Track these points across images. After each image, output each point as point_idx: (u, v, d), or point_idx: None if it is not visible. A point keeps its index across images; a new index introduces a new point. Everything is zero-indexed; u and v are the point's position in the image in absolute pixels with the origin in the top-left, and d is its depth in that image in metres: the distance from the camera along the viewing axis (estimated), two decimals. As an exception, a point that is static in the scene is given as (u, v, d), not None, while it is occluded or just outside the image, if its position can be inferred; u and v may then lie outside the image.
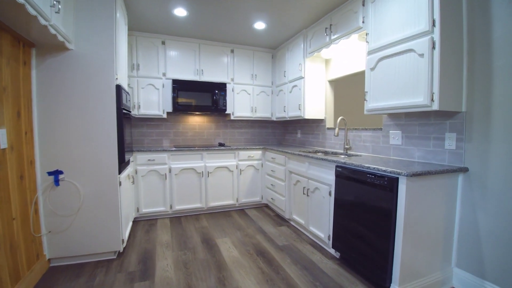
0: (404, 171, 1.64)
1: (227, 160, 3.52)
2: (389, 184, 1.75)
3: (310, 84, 3.29)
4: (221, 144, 3.75)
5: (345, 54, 2.98)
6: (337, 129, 2.73)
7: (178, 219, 3.27)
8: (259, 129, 4.35)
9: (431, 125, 2.08)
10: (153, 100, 3.40)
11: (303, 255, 2.38)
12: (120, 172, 2.27)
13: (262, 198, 3.74)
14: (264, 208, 3.76)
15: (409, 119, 2.25)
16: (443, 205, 1.85)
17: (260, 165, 3.70)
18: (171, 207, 3.26)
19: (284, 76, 3.69)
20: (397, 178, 1.70)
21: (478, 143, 1.79)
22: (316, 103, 3.33)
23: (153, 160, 3.16)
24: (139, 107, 3.33)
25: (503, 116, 1.67)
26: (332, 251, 2.39)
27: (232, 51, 3.77)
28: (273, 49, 4.02)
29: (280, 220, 3.27)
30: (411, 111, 1.96)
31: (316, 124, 3.56)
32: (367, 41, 2.26)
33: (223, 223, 3.14)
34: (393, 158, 2.32)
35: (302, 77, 3.26)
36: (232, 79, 3.80)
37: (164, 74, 3.45)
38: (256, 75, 3.93)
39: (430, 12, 1.75)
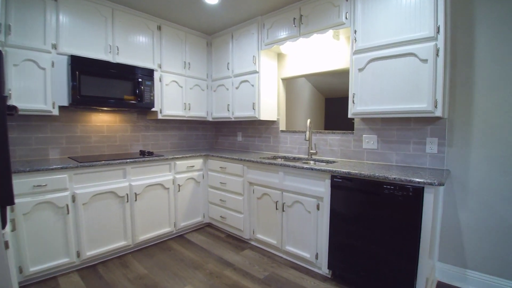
0: (433, 180, 1.55)
1: (160, 174, 2.61)
2: (414, 195, 1.63)
3: (265, 81, 2.89)
4: (143, 152, 2.76)
5: (309, 50, 2.76)
6: (308, 132, 2.48)
7: (94, 270, 2.12)
8: (187, 131, 3.55)
9: (410, 130, 2.14)
10: (34, 87, 2.05)
11: (293, 284, 1.98)
12: None
13: (204, 217, 3.03)
14: (207, 228, 3.06)
15: (386, 124, 2.27)
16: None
17: (201, 177, 2.97)
18: (78, 254, 2.07)
19: (228, 69, 3.12)
20: (423, 187, 1.60)
21: (459, 147, 1.96)
22: (270, 102, 2.97)
23: (44, 185, 1.89)
24: (9, 97, 1.91)
25: (483, 123, 1.87)
26: (321, 271, 2.11)
27: (159, 27, 2.83)
28: (209, 34, 3.34)
29: (237, 241, 2.71)
30: (406, 117, 1.94)
31: (265, 126, 3.20)
32: (354, 39, 2.10)
33: (167, 262, 2.27)
34: (368, 163, 2.29)
35: (257, 72, 2.82)
36: (160, 66, 2.86)
37: (54, 47, 2.15)
38: (189, 63, 3.13)
39: (435, 19, 1.74)
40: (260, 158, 2.60)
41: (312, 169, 2.06)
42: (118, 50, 2.52)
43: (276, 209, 2.36)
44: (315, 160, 2.59)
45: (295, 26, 2.47)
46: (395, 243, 1.70)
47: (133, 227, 2.40)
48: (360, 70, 2.09)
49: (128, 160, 2.35)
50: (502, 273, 1.81)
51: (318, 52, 2.67)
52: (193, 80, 3.19)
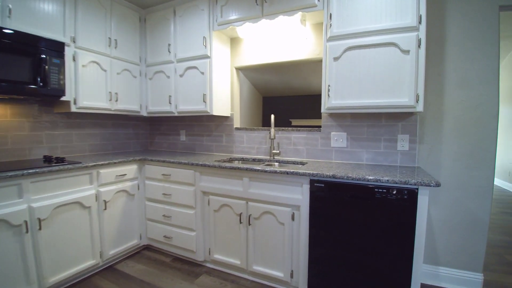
0: (429, 180, 1.40)
1: (77, 189, 1.87)
2: (409, 198, 1.46)
3: (218, 69, 2.42)
4: (49, 159, 1.95)
5: (271, 36, 2.41)
6: (272, 130, 2.14)
7: None
8: (114, 129, 2.76)
9: (381, 127, 2.04)
10: None
11: (270, 316, 1.62)
12: None
13: (141, 239, 2.37)
14: (146, 252, 2.40)
15: (356, 120, 2.11)
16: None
17: (135, 188, 2.31)
18: None
19: (169, 52, 2.51)
20: (417, 189, 1.45)
21: (431, 144, 1.93)
22: (223, 95, 2.51)
23: None
24: None
25: (453, 120, 1.87)
26: (298, 291, 1.81)
27: (70, -15, 2.04)
28: (142, 8, 2.64)
29: (189, 266, 2.17)
30: (380, 112, 1.80)
31: (215, 123, 2.72)
32: (329, 25, 1.85)
33: (91, 315, 1.60)
34: (338, 162, 2.10)
35: (208, 57, 2.33)
36: (74, 39, 2.07)
37: None
38: (116, 41, 2.40)
39: (417, 7, 1.62)
40: (216, 161, 2.13)
41: (287, 173, 1.72)
42: (10, 12, 1.67)
43: (240, 222, 1.94)
44: (279, 162, 2.28)
45: (257, 4, 2.09)
46: (388, 251, 1.51)
47: (39, 266, 1.62)
48: (336, 59, 1.86)
49: (25, 172, 1.55)
50: (470, 266, 1.85)
51: (281, 38, 2.36)
52: (121, 63, 2.47)
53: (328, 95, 1.87)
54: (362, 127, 2.09)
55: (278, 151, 2.30)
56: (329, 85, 1.87)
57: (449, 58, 1.85)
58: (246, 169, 1.85)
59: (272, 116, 2.21)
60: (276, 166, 2.27)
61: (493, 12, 1.75)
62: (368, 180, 1.53)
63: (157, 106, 2.65)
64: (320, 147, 2.24)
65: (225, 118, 2.66)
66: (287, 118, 8.35)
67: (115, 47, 2.40)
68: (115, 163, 2.11)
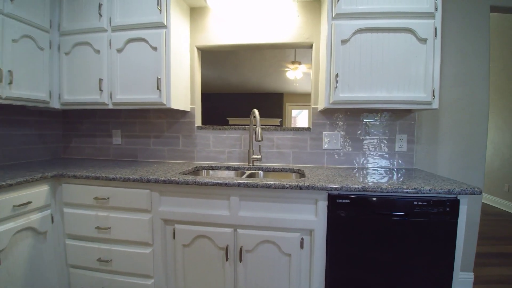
0: (473, 188, 1.19)
1: None
2: (450, 209, 1.22)
3: (176, 45, 1.76)
4: None
5: (249, 9, 1.88)
6: (259, 129, 1.64)
7: None
8: (3, 128, 1.73)
9: (379, 126, 1.81)
10: None
11: None
12: None
13: (56, 300, 1.51)
14: (66, 319, 1.55)
15: (351, 118, 1.83)
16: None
17: (47, 221, 1.44)
18: None
19: (100, 15, 1.69)
20: (457, 198, 1.22)
21: (428, 144, 1.80)
22: (181, 82, 1.86)
23: None
24: None
25: (449, 118, 1.78)
26: None
27: None
28: None
29: (143, 330, 1.47)
30: (397, 108, 1.55)
31: (168, 119, 2.02)
32: (336, -2, 1.49)
33: None
34: (331, 167, 1.79)
35: (164, 26, 1.64)
36: None
37: None
38: (0, -17, 1.45)
39: (434, -11, 1.42)
40: (181, 173, 1.51)
41: (301, 187, 1.27)
42: None
43: (226, 259, 1.39)
44: (262, 169, 1.80)
45: (239, -40, 1.56)
46: (427, 272, 1.25)
47: None
48: (344, 42, 1.51)
49: None
50: (462, 266, 1.80)
51: (263, 14, 1.87)
52: (19, 25, 1.52)
53: (336, 86, 1.51)
54: (357, 126, 1.82)
55: (259, 156, 1.82)
56: (337, 74, 1.50)
57: (446, 54, 1.75)
58: (239, 185, 1.31)
59: (256, 112, 1.71)
60: (260, 177, 1.79)
61: (484, 10, 1.72)
62: (406, 192, 1.23)
63: (78, 94, 1.78)
64: (309, 150, 1.87)
65: (182, 113, 2.00)
66: (224, 116, 7.84)
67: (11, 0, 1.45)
68: (10, 185, 1.23)
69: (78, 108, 1.82)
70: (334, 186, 1.26)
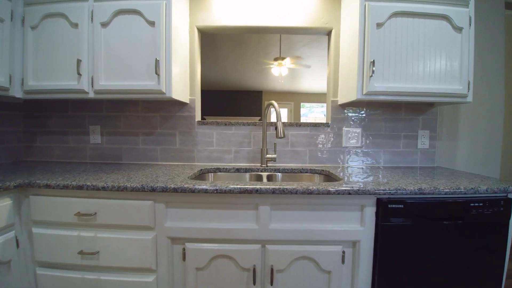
0: (530, 188, 1.09)
1: None
2: (505, 209, 1.11)
3: (177, 21, 1.45)
4: None
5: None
6: (280, 123, 1.40)
7: None
8: None
9: (401, 121, 1.68)
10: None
11: None
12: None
13: None
14: None
15: (373, 112, 1.67)
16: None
17: (11, 246, 1.06)
18: None
19: (77, -24, 1.32)
20: (508, 197, 1.11)
21: (448, 140, 1.71)
22: (181, 68, 1.55)
23: None
24: None
25: (468, 113, 1.70)
26: None
27: None
28: None
29: None
30: (433, 101, 1.42)
31: (162, 113, 1.68)
32: (371, -27, 1.31)
33: None
34: (352, 167, 1.62)
35: (164, -3, 1.33)
36: None
37: None
38: None
39: (470, -26, 1.31)
40: (190, 178, 1.22)
41: (350, 192, 1.06)
42: None
43: (254, 283, 1.13)
44: (277, 170, 1.57)
45: None
46: (478, 278, 1.13)
47: None
48: (379, 26, 1.34)
49: None
50: (486, 271, 1.74)
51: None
52: None
53: (372, 74, 1.33)
54: (379, 121, 1.68)
55: (274, 156, 1.58)
56: (373, 61, 1.32)
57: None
58: (273, 192, 1.06)
59: (275, 103, 1.46)
60: (279, 180, 1.56)
61: (499, 6, 1.68)
62: (462, 193, 1.08)
63: (48, 79, 1.38)
64: (328, 147, 1.68)
65: (179, 106, 1.69)
66: (201, 114, 7.39)
67: None
68: None
69: (47, 98, 1.42)
70: (386, 189, 1.08)
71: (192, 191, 1.06)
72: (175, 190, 1.07)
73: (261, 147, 1.68)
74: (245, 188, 1.06)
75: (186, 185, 1.07)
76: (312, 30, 1.67)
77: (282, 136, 1.37)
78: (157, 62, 1.33)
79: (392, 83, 1.35)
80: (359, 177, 1.28)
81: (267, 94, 6.90)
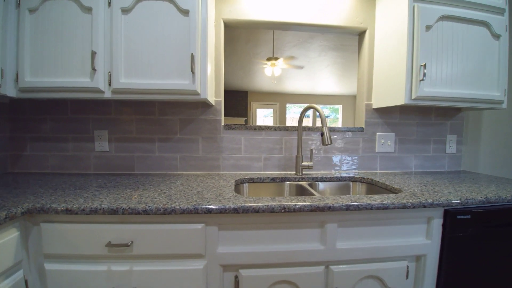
0: None
1: None
2: None
3: (211, 12, 1.27)
4: None
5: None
6: (326, 129, 1.28)
7: None
8: None
9: (431, 126, 1.66)
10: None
11: None
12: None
13: None
14: None
15: (405, 117, 1.63)
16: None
17: (14, 295, 0.81)
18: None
19: (93, -51, 1.08)
20: None
21: (471, 145, 1.73)
22: (211, 66, 1.36)
23: None
24: None
25: (490, 117, 1.73)
26: None
27: None
28: None
29: None
30: (470, 106, 1.40)
31: (182, 116, 1.47)
32: (423, -28, 1.24)
33: None
34: (384, 172, 1.56)
35: (200, -17, 1.14)
36: None
37: None
38: None
39: (511, -18, 1.32)
40: (235, 193, 1.06)
41: (425, 205, 0.98)
42: None
43: (316, 309, 1.00)
44: (315, 179, 1.45)
45: None
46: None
47: None
48: (428, 28, 1.28)
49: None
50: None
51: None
52: None
53: (423, 78, 1.27)
54: (411, 125, 1.64)
55: (311, 163, 1.46)
56: (424, 65, 1.26)
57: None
58: (347, 208, 0.94)
59: (318, 107, 1.34)
60: (319, 190, 1.44)
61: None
62: (531, 203, 1.06)
63: (52, 75, 1.12)
64: (361, 153, 1.61)
65: (202, 108, 1.49)
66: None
67: None
68: None
69: (48, 97, 1.15)
70: (457, 200, 1.01)
71: (256, 210, 0.90)
72: (235, 211, 0.90)
73: (293, 154, 1.55)
74: (316, 205, 0.93)
75: (247, 204, 0.91)
76: (345, 29, 1.58)
77: (329, 143, 1.26)
78: (192, 58, 1.14)
79: (439, 88, 1.31)
80: (413, 186, 1.21)
81: (253, 94, 6.77)
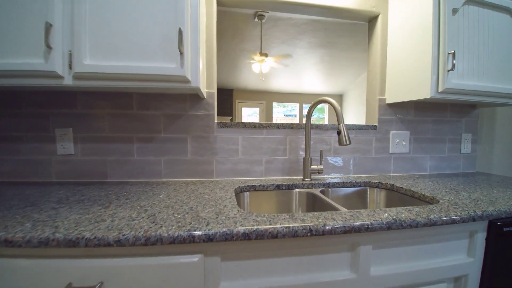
0: None
1: None
2: None
3: (205, -18, 1.02)
4: None
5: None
6: (344, 127, 1.07)
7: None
8: None
9: (446, 123, 1.51)
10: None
11: None
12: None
13: None
14: None
15: (421, 113, 1.47)
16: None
17: None
18: None
19: None
20: None
21: (485, 144, 1.60)
22: (202, 50, 1.12)
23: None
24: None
25: (500, 113, 1.62)
26: None
27: None
28: None
29: None
30: (496, 102, 1.25)
31: (167, 111, 1.21)
32: None
33: None
34: (399, 176, 1.39)
35: None
36: None
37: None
38: None
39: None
40: (238, 208, 0.83)
41: (474, 218, 0.80)
42: None
43: None
44: (327, 185, 1.25)
45: None
46: None
47: None
48: (455, 12, 1.11)
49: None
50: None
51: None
52: None
53: (452, 68, 1.09)
54: (426, 123, 1.48)
55: (321, 167, 1.25)
56: (453, 53, 1.09)
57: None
58: (389, 227, 0.74)
59: (333, 101, 1.13)
60: (331, 196, 1.23)
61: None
62: None
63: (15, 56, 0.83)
64: (374, 155, 1.42)
65: (191, 102, 1.24)
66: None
67: None
68: None
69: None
70: (504, 209, 0.84)
71: (274, 235, 0.68)
72: (246, 237, 0.67)
73: (299, 156, 1.33)
74: (350, 225, 0.71)
75: (262, 227, 0.68)
76: (356, 13, 1.39)
77: (347, 143, 1.05)
78: (180, 34, 0.89)
79: (467, 81, 1.14)
80: (444, 193, 1.04)
81: (239, 93, 6.52)
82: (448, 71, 1.10)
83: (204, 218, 0.72)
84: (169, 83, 0.93)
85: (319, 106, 8.04)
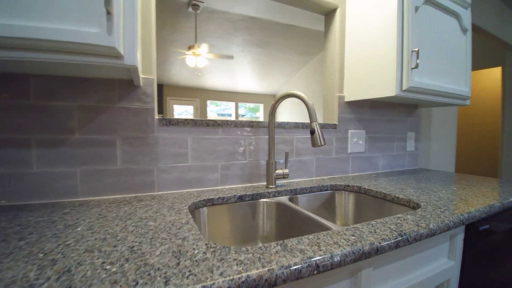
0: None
1: None
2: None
3: None
4: None
5: None
6: (317, 125, 0.92)
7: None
8: None
9: (395, 122, 1.55)
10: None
11: None
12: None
13: None
14: None
15: (375, 112, 1.46)
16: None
17: None
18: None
19: None
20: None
21: (424, 141, 1.72)
22: (138, 13, 0.81)
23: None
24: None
25: (436, 113, 1.76)
26: None
27: None
28: None
29: None
30: (446, 102, 1.31)
31: (89, 102, 0.84)
32: None
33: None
34: (357, 176, 1.36)
35: None
36: None
37: None
38: None
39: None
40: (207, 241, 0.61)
41: (463, 222, 0.74)
42: None
43: None
44: (295, 192, 1.08)
45: None
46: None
47: None
48: (416, 9, 1.10)
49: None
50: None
51: None
52: None
53: (416, 65, 1.07)
54: (380, 121, 1.48)
55: (286, 171, 1.08)
56: (417, 51, 1.07)
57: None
58: (397, 245, 0.60)
59: (302, 95, 0.96)
60: (303, 205, 1.08)
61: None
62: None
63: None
64: (334, 155, 1.34)
65: (123, 88, 0.91)
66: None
67: None
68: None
69: None
70: (483, 209, 0.83)
71: (272, 284, 0.46)
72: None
73: (259, 159, 1.14)
74: (359, 250, 0.55)
75: (253, 273, 0.45)
76: (312, 4, 1.27)
77: (322, 143, 0.91)
78: (109, -15, 0.58)
79: (426, 80, 1.15)
80: (416, 194, 1.00)
81: (169, 88, 5.93)
82: (412, 69, 1.08)
83: (158, 269, 0.46)
84: (88, 56, 0.61)
85: (252, 105, 8.06)
